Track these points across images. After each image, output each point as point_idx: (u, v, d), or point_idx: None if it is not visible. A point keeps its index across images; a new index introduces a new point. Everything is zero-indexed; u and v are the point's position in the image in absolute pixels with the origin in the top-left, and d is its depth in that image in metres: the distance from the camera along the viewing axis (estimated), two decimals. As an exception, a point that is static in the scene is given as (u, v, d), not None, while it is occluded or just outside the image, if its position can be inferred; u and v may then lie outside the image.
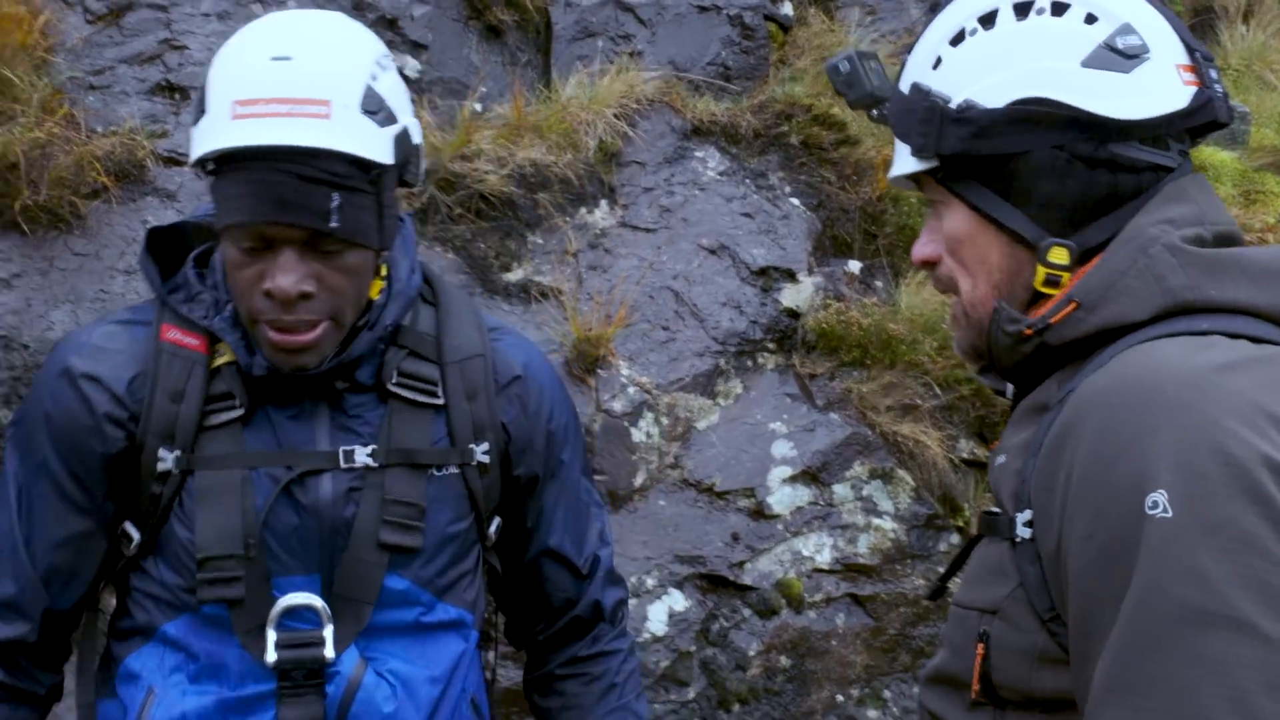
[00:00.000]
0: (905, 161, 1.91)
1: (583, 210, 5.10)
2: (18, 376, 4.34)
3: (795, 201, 5.36)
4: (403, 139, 2.29)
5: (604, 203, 5.15)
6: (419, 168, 2.40)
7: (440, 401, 2.42)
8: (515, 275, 4.93)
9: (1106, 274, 1.73)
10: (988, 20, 1.85)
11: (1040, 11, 1.82)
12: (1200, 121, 1.81)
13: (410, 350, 2.43)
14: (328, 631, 2.31)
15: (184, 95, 4.84)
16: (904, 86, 1.91)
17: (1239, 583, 1.45)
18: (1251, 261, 1.73)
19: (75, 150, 4.41)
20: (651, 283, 4.99)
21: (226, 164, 2.22)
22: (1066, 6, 1.81)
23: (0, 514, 2.39)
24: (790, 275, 5.14)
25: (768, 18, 5.81)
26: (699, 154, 5.35)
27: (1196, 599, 1.47)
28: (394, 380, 2.40)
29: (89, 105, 4.63)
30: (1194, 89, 1.80)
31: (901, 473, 4.87)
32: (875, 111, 1.96)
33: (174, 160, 4.70)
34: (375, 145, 2.23)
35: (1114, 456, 1.56)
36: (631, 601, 4.58)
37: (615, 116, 5.20)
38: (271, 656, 2.29)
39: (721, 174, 5.32)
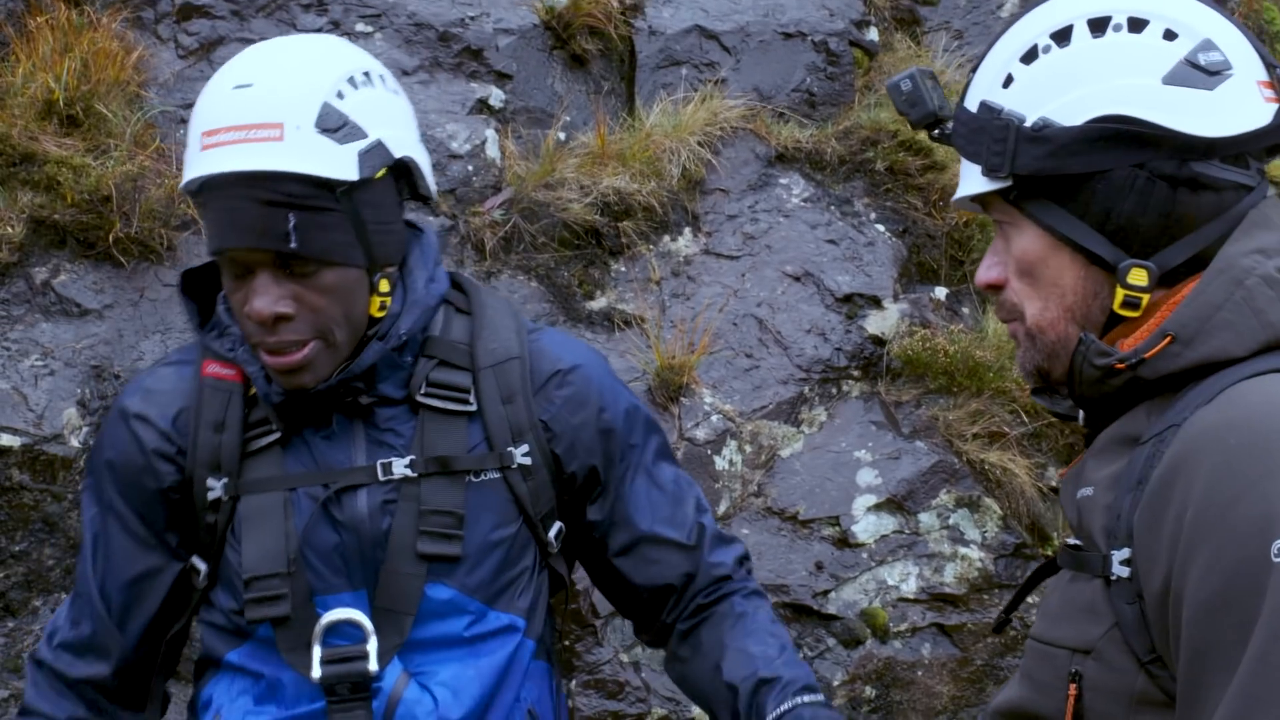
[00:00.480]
0: (974, 181, 1.86)
1: (666, 238, 5.10)
2: (109, 406, 4.40)
3: (880, 228, 5.33)
4: (373, 153, 2.26)
5: (687, 230, 5.15)
6: (424, 179, 2.40)
7: (473, 408, 2.41)
8: (598, 303, 4.94)
9: (1201, 307, 1.69)
10: (1061, 37, 1.80)
11: (1118, 28, 1.77)
12: None
13: (440, 360, 2.42)
14: (371, 645, 2.32)
15: None
16: (970, 105, 1.87)
17: None
18: None
19: (166, 183, 4.49)
20: (735, 310, 4.97)
21: (200, 195, 2.27)
22: (1145, 23, 1.76)
23: (81, 559, 2.48)
24: (875, 302, 5.11)
25: (853, 43, 5.79)
26: (783, 181, 5.33)
27: None
28: (422, 390, 2.39)
29: (180, 139, 4.70)
30: (1275, 106, 1.76)
31: (989, 501, 4.82)
32: (937, 131, 1.92)
33: None
34: (333, 163, 2.22)
35: (1234, 498, 1.51)
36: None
37: (699, 144, 5.19)
38: (317, 672, 2.31)
39: (806, 201, 5.30)
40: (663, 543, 2.56)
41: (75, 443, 4.31)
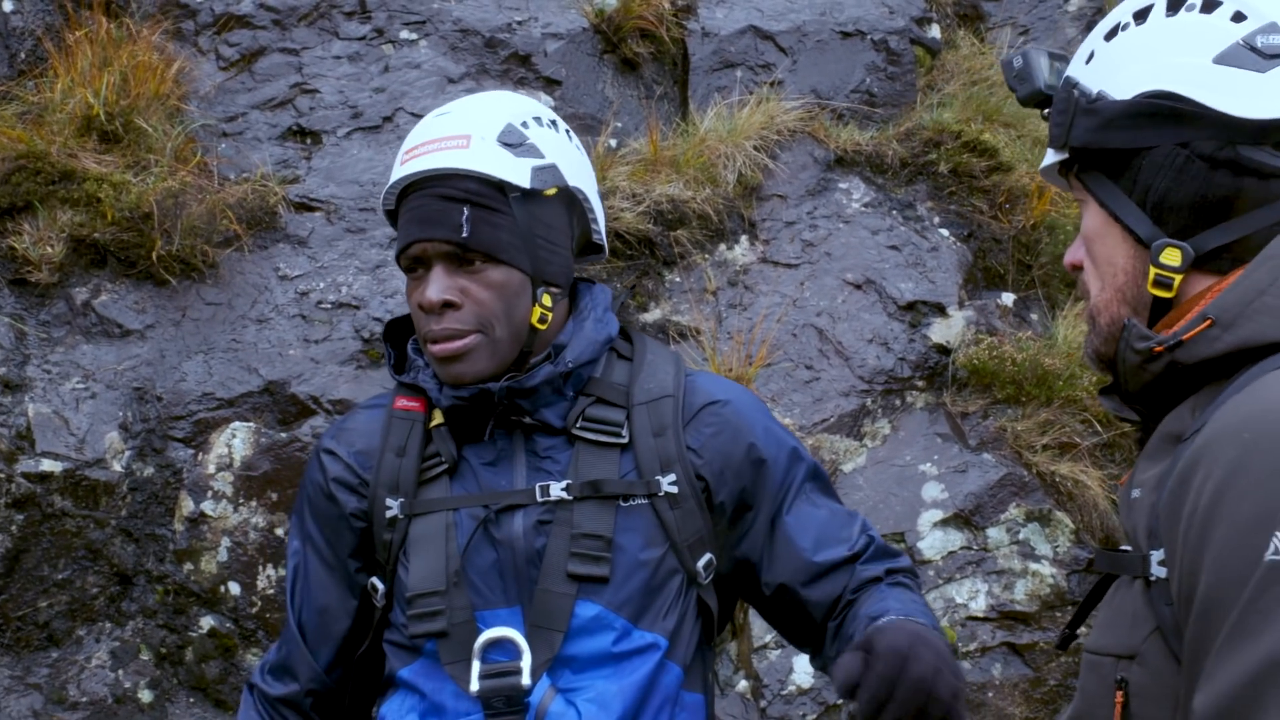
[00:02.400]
0: (1049, 153, 1.89)
1: (722, 246, 5.06)
2: (152, 429, 4.35)
3: (944, 232, 5.25)
4: (546, 171, 2.52)
5: (744, 238, 5.10)
6: (597, 222, 2.65)
7: (625, 440, 2.57)
8: (653, 315, 4.90)
9: (1245, 290, 1.67)
10: (1141, 15, 1.82)
11: (1190, 8, 1.77)
12: None
13: (598, 398, 2.59)
14: (525, 661, 2.45)
15: (315, 139, 4.87)
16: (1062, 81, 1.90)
17: None
18: None
19: (208, 198, 4.43)
20: (794, 320, 4.92)
21: (397, 207, 2.56)
22: (1217, 4, 1.76)
23: (287, 590, 2.74)
24: (940, 309, 5.05)
25: (914, 41, 5.71)
26: (843, 185, 5.28)
27: None
28: (579, 424, 2.56)
29: (221, 152, 4.65)
30: None
31: (1060, 514, 4.73)
32: (1044, 111, 1.92)
33: (305, 206, 4.73)
34: (508, 168, 2.48)
35: (1242, 494, 1.50)
36: (776, 652, 4.47)
37: (755, 149, 5.15)
38: (475, 686, 2.45)
39: (867, 205, 5.23)
40: (836, 567, 2.64)
41: (118, 467, 4.26)
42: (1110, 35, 1.84)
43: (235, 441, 4.42)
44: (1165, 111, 1.74)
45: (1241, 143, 1.71)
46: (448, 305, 2.48)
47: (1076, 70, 1.87)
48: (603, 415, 2.58)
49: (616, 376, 2.63)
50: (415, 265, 2.53)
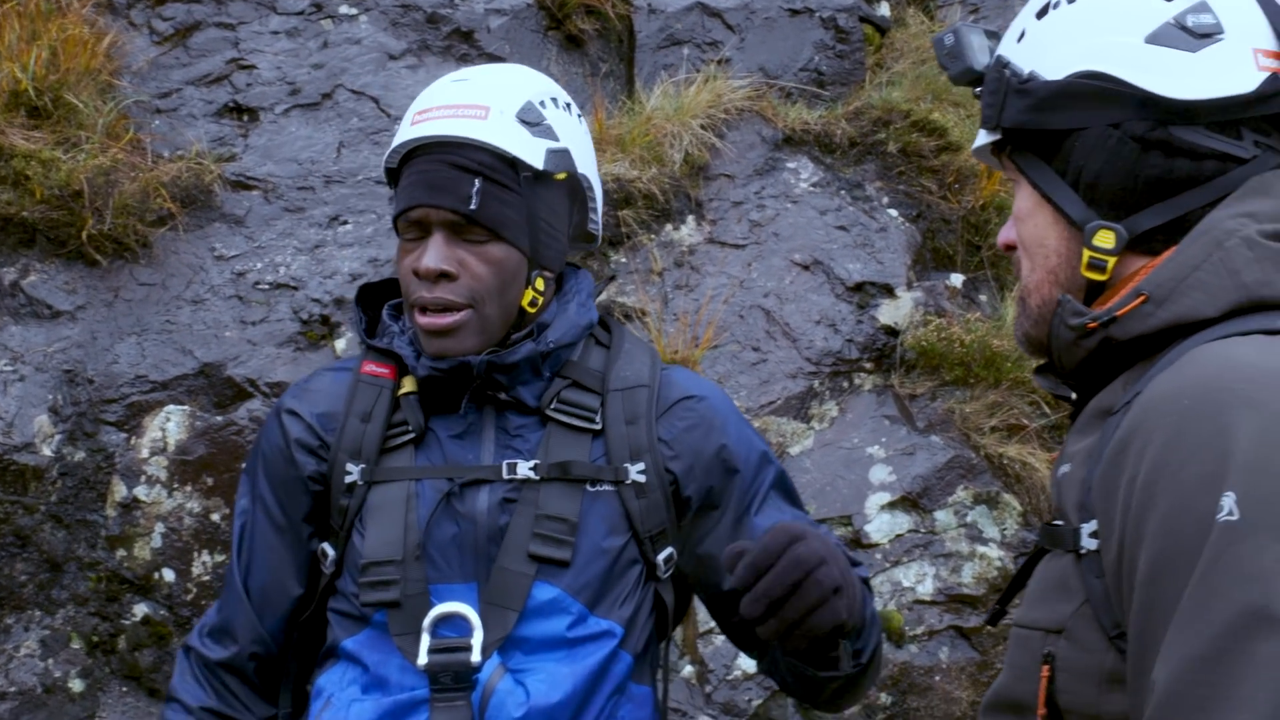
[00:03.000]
0: (981, 134, 1.89)
1: (668, 227, 5.01)
2: (83, 413, 4.26)
3: (893, 213, 5.22)
4: (560, 155, 2.53)
5: (691, 218, 5.06)
6: (596, 212, 2.66)
7: (598, 427, 2.58)
8: (598, 297, 4.77)
9: (1178, 267, 1.68)
10: None
11: None
12: (1274, 110, 1.74)
13: (574, 381, 2.61)
14: (476, 638, 2.45)
15: (253, 116, 4.80)
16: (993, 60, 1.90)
17: None
18: None
19: (141, 176, 4.34)
20: (741, 301, 4.89)
21: (402, 165, 2.54)
22: None
23: (231, 551, 2.71)
24: (888, 290, 5.02)
25: (863, 19, 5.69)
26: (791, 165, 5.24)
27: (1260, 603, 1.44)
28: (553, 405, 2.58)
29: (155, 129, 4.56)
30: (1265, 75, 1.73)
31: (1008, 497, 4.72)
32: (977, 89, 1.91)
33: (242, 184, 4.65)
34: (524, 147, 2.49)
35: (1184, 460, 1.51)
36: (721, 638, 4.44)
37: (702, 127, 5.11)
38: (423, 660, 2.45)
39: (815, 185, 5.20)
40: None
41: (47, 451, 4.18)
42: (1042, 13, 1.84)
43: (169, 425, 4.34)
44: (1097, 92, 1.74)
45: (1173, 123, 1.72)
46: (444, 275, 2.48)
47: (1008, 49, 1.87)
48: (578, 399, 2.59)
49: (593, 362, 2.64)
50: (414, 229, 2.52)
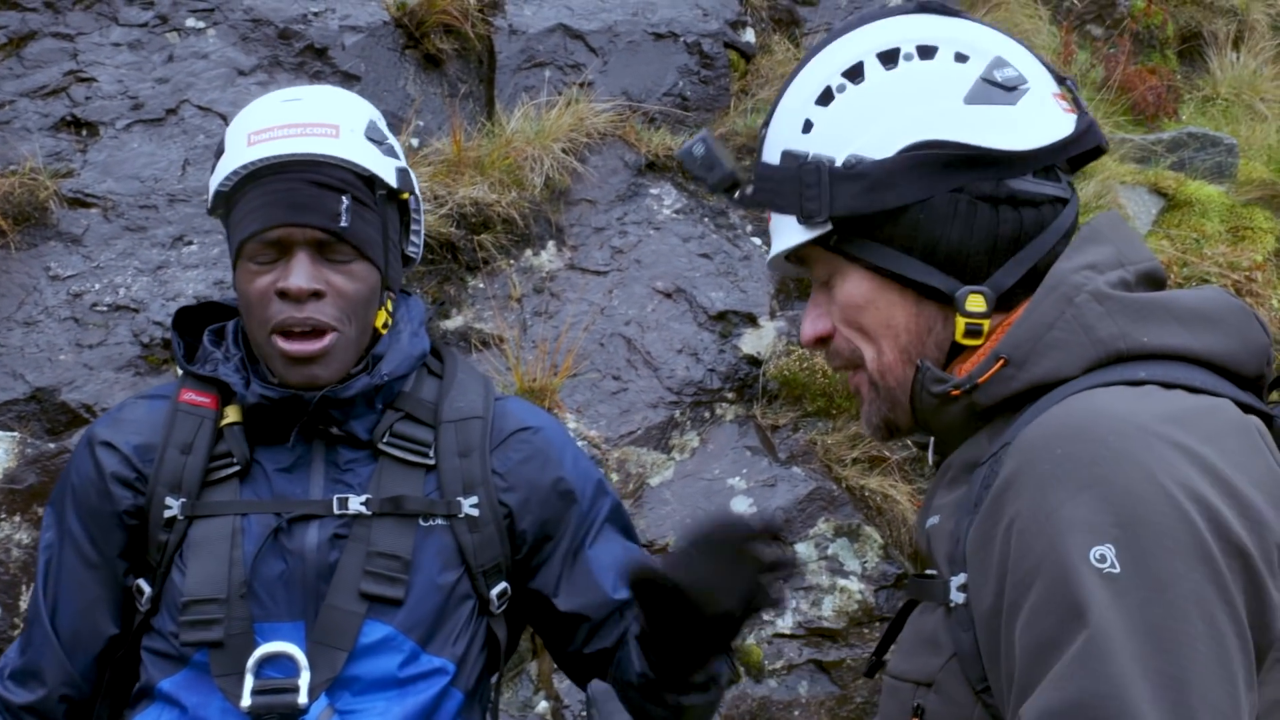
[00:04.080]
0: (792, 233, 1.85)
1: (528, 252, 4.97)
2: None
3: (757, 241, 5.22)
4: (404, 174, 2.56)
5: (551, 244, 5.02)
6: (419, 240, 2.66)
7: (431, 462, 2.56)
8: (454, 322, 4.78)
9: (1033, 327, 1.71)
10: (854, 74, 1.82)
11: (909, 58, 1.81)
12: (1086, 148, 1.82)
13: (407, 414, 2.58)
14: (303, 679, 2.42)
15: (92, 131, 4.65)
16: (770, 158, 1.87)
17: (1177, 641, 1.45)
18: (1179, 305, 1.72)
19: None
20: (601, 329, 4.85)
21: (242, 187, 2.47)
22: (934, 49, 1.81)
23: (34, 588, 2.62)
24: (751, 320, 5.00)
25: (728, 45, 5.70)
26: (654, 191, 5.23)
27: (1149, 656, 1.45)
28: (385, 439, 2.55)
29: (-22, 143, 4.38)
30: (1074, 115, 1.81)
31: (869, 530, 4.69)
32: (738, 193, 1.89)
33: (80, 202, 4.51)
34: (379, 165, 2.50)
35: (1056, 507, 1.53)
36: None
37: (564, 151, 5.09)
38: (246, 701, 2.41)
39: (678, 212, 5.19)
40: (625, 604, 2.64)
41: None
42: (824, 100, 1.83)
43: (-2, 452, 4.18)
44: (934, 160, 1.76)
45: (1010, 176, 1.76)
46: (315, 294, 2.45)
47: (794, 142, 1.84)
48: (411, 433, 2.57)
49: (425, 393, 2.63)
50: (270, 251, 2.47)
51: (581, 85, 5.35)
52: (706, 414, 4.84)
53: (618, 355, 4.82)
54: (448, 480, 2.55)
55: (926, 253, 1.78)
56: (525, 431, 2.64)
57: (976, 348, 1.79)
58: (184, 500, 2.50)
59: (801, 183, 1.80)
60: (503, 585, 2.61)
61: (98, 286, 4.44)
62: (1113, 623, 1.46)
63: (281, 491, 2.51)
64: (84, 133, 4.64)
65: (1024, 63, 1.82)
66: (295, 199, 2.43)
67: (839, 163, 1.79)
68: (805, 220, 1.82)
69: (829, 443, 4.82)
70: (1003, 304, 1.79)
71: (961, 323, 1.77)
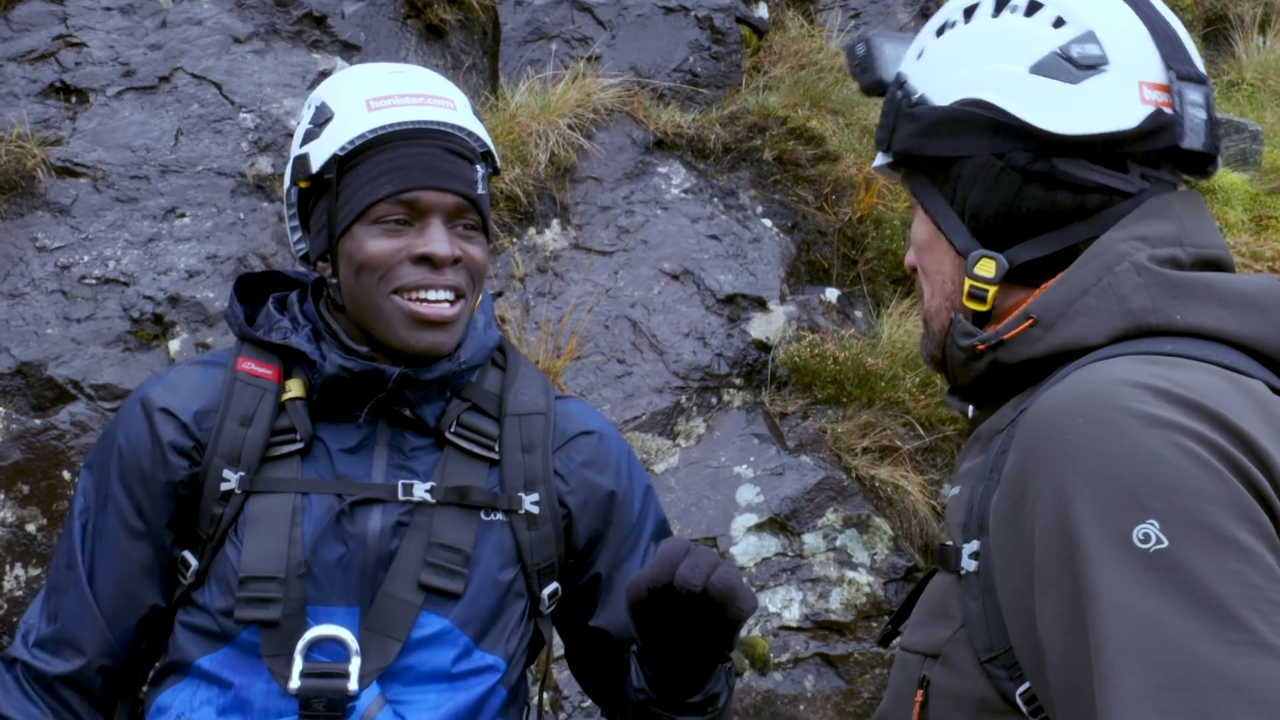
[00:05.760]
0: (879, 154, 1.91)
1: (532, 231, 4.93)
2: None
3: (767, 223, 5.17)
4: (492, 156, 2.56)
5: (555, 222, 4.98)
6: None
7: (495, 456, 2.56)
8: None
9: (1068, 291, 1.71)
10: (969, 13, 1.83)
11: (1015, 9, 1.80)
12: (1159, 145, 1.74)
13: (473, 404, 2.57)
14: (354, 665, 2.40)
15: (82, 97, 4.56)
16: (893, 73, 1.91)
17: (1247, 603, 1.42)
18: (1228, 288, 1.69)
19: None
20: (606, 311, 4.82)
21: (363, 152, 2.44)
22: (1039, 6, 1.78)
23: (60, 553, 2.56)
24: (760, 304, 4.98)
25: (740, 20, 5.67)
26: (662, 169, 5.19)
27: (1216, 625, 1.42)
28: (452, 429, 2.53)
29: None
30: (1150, 109, 1.73)
31: (879, 521, 4.68)
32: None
33: (69, 171, 4.42)
34: (489, 142, 2.50)
35: (1082, 486, 1.51)
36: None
37: (569, 127, 5.05)
38: (295, 684, 2.39)
39: (686, 192, 5.15)
40: None
41: None
42: (940, 31, 1.85)
43: (-18, 428, 4.14)
44: (980, 121, 1.76)
45: (1058, 156, 1.74)
46: (456, 260, 2.46)
47: (909, 66, 1.88)
48: (477, 424, 2.57)
49: (489, 384, 2.63)
50: (400, 211, 2.45)
51: (589, 59, 5.34)
52: (713, 400, 4.82)
53: (623, 338, 4.80)
54: (510, 475, 2.55)
55: (959, 208, 1.80)
56: (589, 435, 2.64)
57: (1009, 309, 1.79)
58: (243, 474, 2.47)
59: (886, 110, 1.86)
60: (554, 585, 2.61)
61: (86, 259, 4.38)
62: (1163, 604, 1.44)
63: (344, 473, 2.49)
64: (73, 100, 4.57)
65: (1123, 42, 1.76)
66: (436, 164, 2.43)
67: (914, 98, 1.83)
68: (877, 145, 1.89)
69: (839, 431, 4.80)
70: (1026, 278, 1.78)
71: (966, 284, 1.79)
